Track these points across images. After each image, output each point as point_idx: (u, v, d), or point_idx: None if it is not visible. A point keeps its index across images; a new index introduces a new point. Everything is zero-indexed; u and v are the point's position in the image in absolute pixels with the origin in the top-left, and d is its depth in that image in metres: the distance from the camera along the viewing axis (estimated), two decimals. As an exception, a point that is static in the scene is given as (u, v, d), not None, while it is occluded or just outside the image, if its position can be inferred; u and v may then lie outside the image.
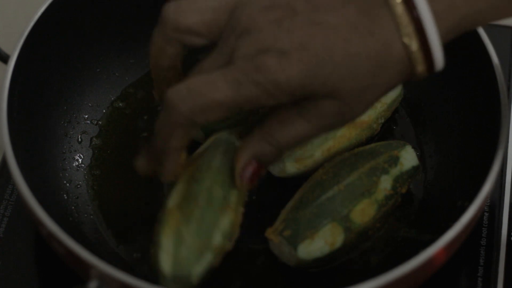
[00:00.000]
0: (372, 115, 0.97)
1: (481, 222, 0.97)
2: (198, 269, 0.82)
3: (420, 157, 0.98)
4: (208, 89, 0.70)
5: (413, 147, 0.98)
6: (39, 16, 0.95)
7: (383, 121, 0.99)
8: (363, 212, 0.88)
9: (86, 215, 0.94)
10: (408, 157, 0.93)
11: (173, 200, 0.85)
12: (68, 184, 0.96)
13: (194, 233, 0.82)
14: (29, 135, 0.93)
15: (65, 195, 0.95)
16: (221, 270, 0.90)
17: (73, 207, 0.94)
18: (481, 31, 0.93)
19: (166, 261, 0.82)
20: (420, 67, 0.73)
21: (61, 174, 0.97)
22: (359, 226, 0.88)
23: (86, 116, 1.02)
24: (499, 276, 0.94)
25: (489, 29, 0.99)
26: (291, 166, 0.94)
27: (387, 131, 1.01)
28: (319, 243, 0.86)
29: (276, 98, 0.71)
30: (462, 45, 0.97)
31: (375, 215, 0.89)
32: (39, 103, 0.97)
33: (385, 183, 0.90)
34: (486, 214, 0.98)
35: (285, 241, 0.86)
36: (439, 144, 0.99)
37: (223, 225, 0.84)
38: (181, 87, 0.72)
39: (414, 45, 0.71)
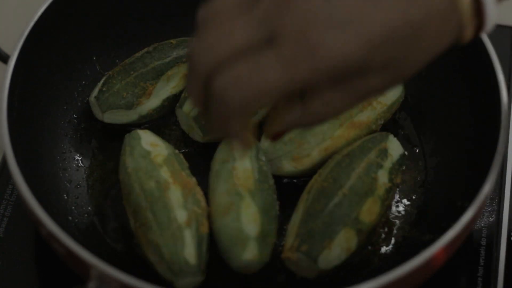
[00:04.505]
0: (371, 116, 0.97)
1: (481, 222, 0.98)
2: (188, 250, 0.84)
3: (420, 157, 0.99)
4: (260, 77, 0.62)
5: (413, 147, 0.99)
6: (39, 16, 0.95)
7: (382, 122, 0.99)
8: (370, 211, 0.88)
9: (86, 215, 0.94)
10: (395, 147, 0.94)
11: (131, 223, 0.90)
12: (68, 184, 0.96)
13: (159, 232, 0.85)
14: (29, 135, 0.93)
15: (65, 195, 0.95)
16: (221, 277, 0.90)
17: (73, 207, 0.94)
18: (481, 31, 0.93)
19: (162, 271, 0.86)
20: (470, 27, 0.67)
21: (61, 174, 0.97)
22: (369, 225, 0.88)
23: (86, 116, 1.02)
24: (499, 276, 0.94)
25: (489, 29, 0.99)
26: (288, 165, 0.94)
27: (387, 131, 1.01)
28: (337, 251, 0.86)
29: (331, 77, 0.63)
30: (462, 45, 0.97)
31: (380, 211, 0.89)
32: (39, 103, 0.97)
33: (383, 178, 0.90)
34: (486, 214, 0.98)
35: (303, 256, 0.85)
36: (439, 144, 0.99)
37: (174, 201, 0.87)
38: (230, 78, 0.63)
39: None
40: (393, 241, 0.92)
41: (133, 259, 0.91)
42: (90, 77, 1.04)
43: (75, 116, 1.01)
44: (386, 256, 0.91)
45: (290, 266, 0.88)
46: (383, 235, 0.93)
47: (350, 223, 0.86)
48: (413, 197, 0.96)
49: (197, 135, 0.98)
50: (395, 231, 0.93)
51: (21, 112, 0.91)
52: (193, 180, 0.92)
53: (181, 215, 0.86)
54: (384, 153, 0.92)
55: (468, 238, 0.96)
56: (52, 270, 0.93)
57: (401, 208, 0.95)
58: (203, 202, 0.90)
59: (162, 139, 0.95)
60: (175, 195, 0.87)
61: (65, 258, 0.82)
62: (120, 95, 0.98)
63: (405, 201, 0.95)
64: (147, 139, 0.93)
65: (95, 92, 0.99)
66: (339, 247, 0.86)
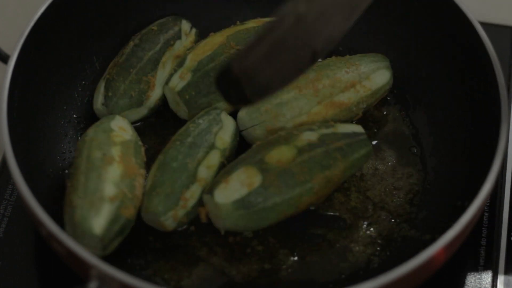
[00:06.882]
0: (353, 98, 0.97)
1: (481, 222, 0.97)
2: (98, 220, 0.85)
3: (420, 157, 0.99)
4: None
5: (412, 147, 0.99)
6: (39, 16, 0.95)
7: (364, 106, 0.99)
8: (280, 155, 0.89)
9: (86, 215, 0.94)
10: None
11: (67, 187, 0.91)
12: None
13: (82, 195, 0.87)
14: (29, 135, 0.93)
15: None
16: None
17: (73, 207, 0.94)
18: (481, 31, 0.93)
19: (68, 231, 0.87)
20: None
21: (61, 174, 0.96)
22: (277, 167, 0.89)
23: (86, 116, 1.02)
24: (499, 276, 0.94)
25: (489, 29, 0.99)
26: (261, 134, 0.95)
27: (386, 131, 1.01)
28: (235, 185, 0.88)
29: None
30: (462, 45, 0.97)
31: (295, 158, 0.90)
32: (39, 103, 0.97)
33: (309, 135, 0.92)
34: (486, 214, 0.98)
35: (207, 196, 0.89)
36: (438, 144, 0.99)
37: (110, 175, 0.88)
38: None
39: None
40: (393, 241, 0.92)
41: (133, 259, 0.91)
42: (90, 77, 1.04)
43: (75, 116, 1.01)
44: (386, 256, 0.91)
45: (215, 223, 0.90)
46: (383, 235, 0.93)
47: (253, 163, 0.89)
48: (413, 197, 0.96)
49: (183, 112, 0.98)
50: (395, 231, 0.93)
51: (21, 112, 0.91)
52: (141, 171, 0.93)
53: (109, 190, 0.87)
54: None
55: (468, 238, 0.96)
56: (52, 270, 0.93)
57: (401, 208, 0.95)
58: (138, 191, 0.91)
59: (134, 129, 0.97)
60: (114, 171, 0.89)
61: (65, 258, 0.82)
62: (128, 95, 0.98)
63: (405, 201, 0.95)
64: (119, 123, 0.96)
65: (100, 99, 0.98)
66: (238, 182, 0.88)
